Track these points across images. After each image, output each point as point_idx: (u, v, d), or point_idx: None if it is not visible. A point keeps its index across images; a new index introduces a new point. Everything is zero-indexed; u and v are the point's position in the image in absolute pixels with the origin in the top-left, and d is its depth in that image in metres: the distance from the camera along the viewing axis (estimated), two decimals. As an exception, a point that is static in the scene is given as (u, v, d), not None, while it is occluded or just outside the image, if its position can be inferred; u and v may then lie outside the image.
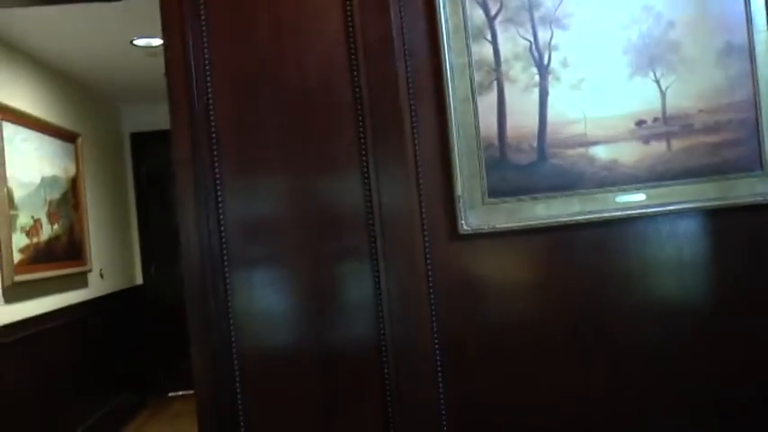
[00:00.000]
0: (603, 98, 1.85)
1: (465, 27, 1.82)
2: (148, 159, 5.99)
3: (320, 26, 1.83)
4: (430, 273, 1.80)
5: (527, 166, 1.83)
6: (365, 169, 1.79)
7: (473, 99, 1.81)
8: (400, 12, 1.82)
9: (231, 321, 1.77)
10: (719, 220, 1.90)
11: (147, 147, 5.94)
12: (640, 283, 1.87)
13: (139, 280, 5.99)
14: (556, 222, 1.83)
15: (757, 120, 1.90)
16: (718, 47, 1.90)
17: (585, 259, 1.88)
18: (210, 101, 1.77)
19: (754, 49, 1.91)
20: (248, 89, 1.81)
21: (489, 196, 1.82)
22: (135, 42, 4.20)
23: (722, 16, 1.91)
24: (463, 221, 1.80)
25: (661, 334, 1.87)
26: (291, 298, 1.83)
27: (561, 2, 1.85)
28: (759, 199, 1.89)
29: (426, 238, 1.80)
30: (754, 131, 1.90)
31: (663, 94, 1.87)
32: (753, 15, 1.92)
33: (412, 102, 1.82)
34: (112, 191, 5.62)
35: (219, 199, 1.76)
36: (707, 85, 1.89)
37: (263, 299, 1.82)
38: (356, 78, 1.81)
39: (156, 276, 6.00)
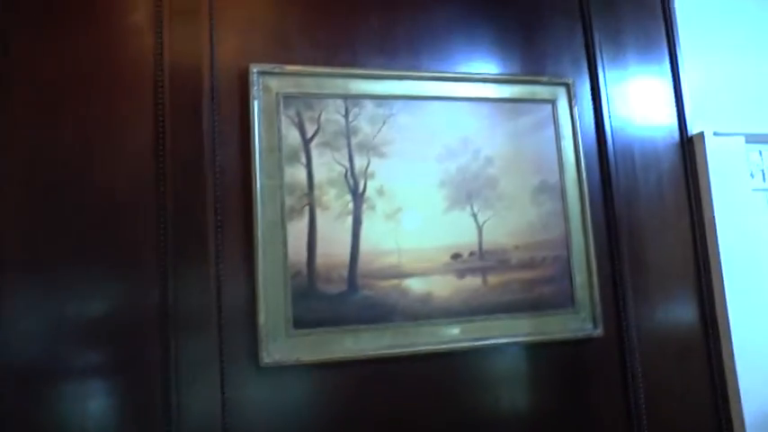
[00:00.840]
0: (419, 230, 1.81)
1: (279, 148, 1.75)
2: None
3: (131, 134, 1.70)
4: (226, 407, 1.64)
5: (337, 297, 1.74)
6: (164, 288, 1.64)
7: (283, 223, 1.73)
8: (213, 127, 1.74)
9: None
10: (534, 353, 1.87)
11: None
12: (454, 414, 1.79)
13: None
14: (365, 356, 1.74)
15: (569, 257, 1.90)
16: (534, 184, 1.92)
17: (397, 393, 1.79)
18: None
19: (564, 188, 1.92)
20: (47, 191, 1.64)
21: (295, 327, 1.70)
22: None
23: (538, 155, 1.94)
24: (265, 353, 1.67)
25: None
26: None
27: (380, 129, 1.82)
28: (570, 335, 1.87)
29: (224, 370, 1.65)
30: (566, 269, 1.90)
31: (480, 228, 1.85)
32: (563, 156, 1.94)
33: (219, 221, 1.71)
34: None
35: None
36: (522, 222, 1.89)
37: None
38: (162, 191, 1.68)
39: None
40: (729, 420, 2.07)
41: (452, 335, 1.79)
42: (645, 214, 2.10)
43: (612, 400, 1.97)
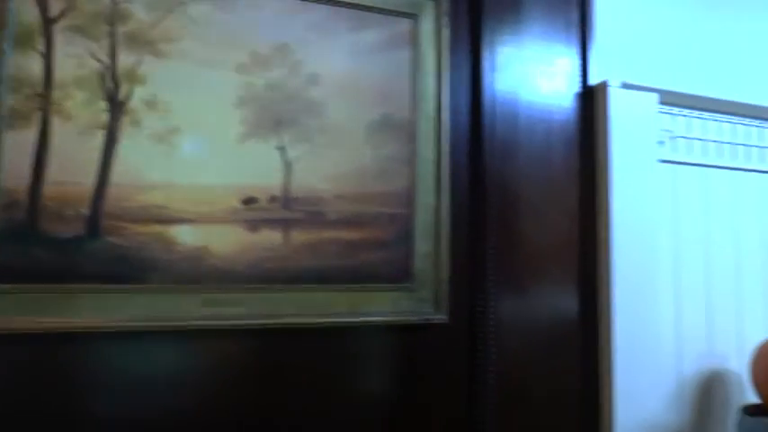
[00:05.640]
0: (201, 160, 1.31)
1: (4, 23, 1.22)
2: None
3: None
4: None
5: (69, 242, 1.25)
6: None
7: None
8: None
9: None
10: (351, 339, 1.45)
11: None
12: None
13: None
14: (104, 327, 1.24)
15: (411, 218, 1.43)
16: (373, 118, 1.44)
17: (152, 382, 1.29)
18: None
19: (416, 127, 1.45)
20: None
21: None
22: None
23: (384, 81, 1.47)
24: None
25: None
26: None
27: (162, 19, 1.31)
28: (401, 318, 1.41)
29: None
30: (406, 233, 1.43)
31: (288, 166, 1.36)
32: (420, 87, 1.47)
33: None
34: None
35: None
36: (351, 165, 1.42)
37: None
38: None
39: None
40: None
41: (233, 308, 1.30)
42: (524, 175, 1.65)
43: (454, 404, 1.55)
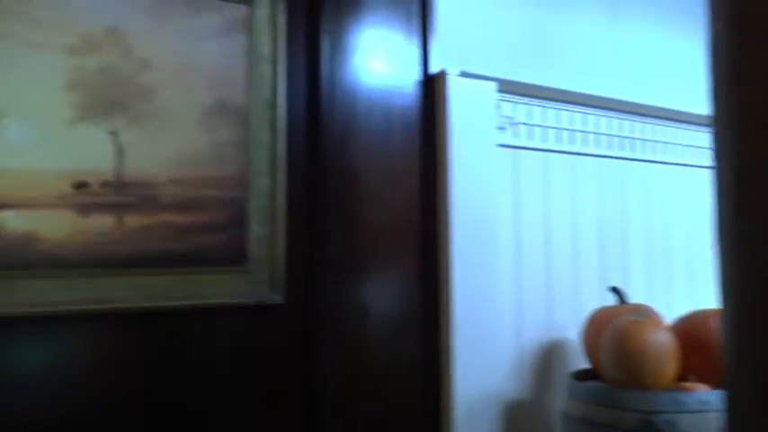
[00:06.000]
0: (29, 144, 1.31)
1: None
2: None
3: None
4: None
5: None
6: None
7: None
8: None
9: None
10: (187, 323, 1.46)
11: None
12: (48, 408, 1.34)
13: None
14: None
15: (246, 202, 1.47)
16: (207, 103, 1.47)
17: None
18: None
19: (250, 113, 1.49)
20: None
21: None
22: None
23: (219, 67, 1.50)
24: None
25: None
26: None
27: None
28: (237, 300, 1.45)
29: None
30: (241, 216, 1.47)
31: (120, 151, 1.37)
32: (256, 73, 1.51)
33: None
34: None
35: None
36: (184, 150, 1.44)
37: None
38: None
39: None
40: (437, 413, 1.74)
41: (64, 293, 1.30)
42: (364, 160, 1.72)
43: (291, 384, 1.62)
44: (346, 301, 1.70)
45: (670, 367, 1.66)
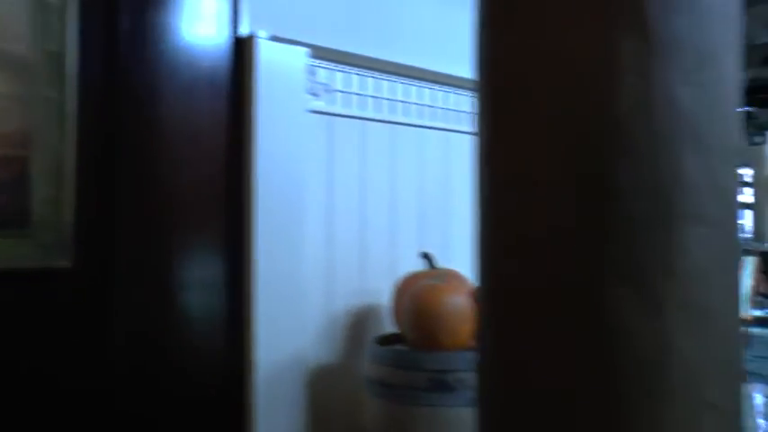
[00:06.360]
0: None
1: None
2: None
3: None
4: None
5: None
6: None
7: None
8: None
9: None
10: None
11: None
12: None
13: None
14: None
15: (29, 162, 1.37)
16: None
17: None
18: None
19: (33, 65, 1.38)
20: None
21: None
22: None
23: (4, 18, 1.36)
24: None
25: None
26: None
27: None
28: (20, 264, 1.37)
29: None
30: (22, 177, 1.37)
31: None
32: (40, 21, 1.41)
33: None
34: None
35: None
36: None
37: None
38: None
39: None
40: (240, 378, 1.73)
41: None
42: (166, 121, 1.68)
43: (81, 355, 1.52)
44: (144, 265, 1.65)
45: (465, 329, 1.74)
